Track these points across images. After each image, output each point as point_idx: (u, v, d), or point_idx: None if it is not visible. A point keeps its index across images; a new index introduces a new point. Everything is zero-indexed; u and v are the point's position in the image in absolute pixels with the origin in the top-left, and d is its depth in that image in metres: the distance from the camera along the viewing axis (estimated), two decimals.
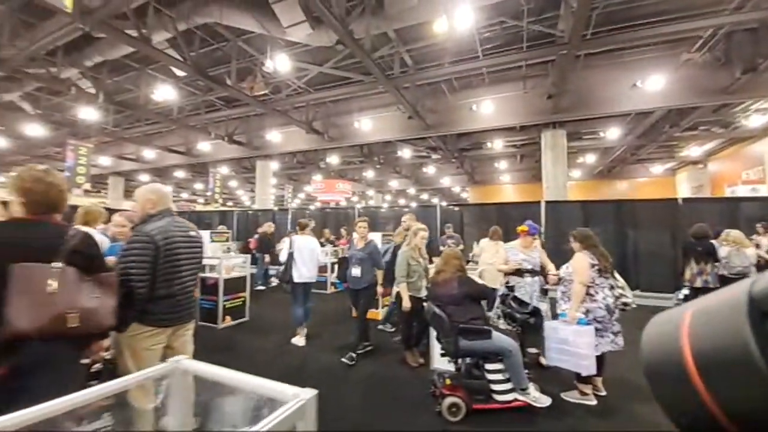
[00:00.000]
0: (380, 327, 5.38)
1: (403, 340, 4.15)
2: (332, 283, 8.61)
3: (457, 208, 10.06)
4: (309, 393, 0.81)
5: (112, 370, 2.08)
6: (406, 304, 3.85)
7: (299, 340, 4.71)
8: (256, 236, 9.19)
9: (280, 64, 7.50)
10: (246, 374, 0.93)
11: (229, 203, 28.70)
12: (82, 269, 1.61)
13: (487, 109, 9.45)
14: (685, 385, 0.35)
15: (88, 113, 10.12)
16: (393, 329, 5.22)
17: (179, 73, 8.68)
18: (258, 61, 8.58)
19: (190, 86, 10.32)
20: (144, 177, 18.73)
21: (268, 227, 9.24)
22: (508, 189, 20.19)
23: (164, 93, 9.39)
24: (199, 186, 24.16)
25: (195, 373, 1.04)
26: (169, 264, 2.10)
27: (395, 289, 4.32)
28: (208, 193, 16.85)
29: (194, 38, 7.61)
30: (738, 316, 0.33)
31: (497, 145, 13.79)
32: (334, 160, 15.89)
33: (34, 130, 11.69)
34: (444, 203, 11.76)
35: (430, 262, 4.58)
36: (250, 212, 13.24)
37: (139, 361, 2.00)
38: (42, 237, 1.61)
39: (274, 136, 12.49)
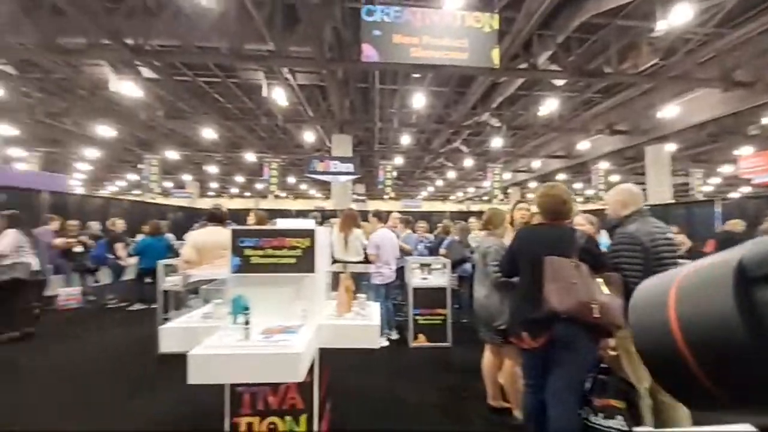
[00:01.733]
0: None
1: None
2: None
3: None
4: None
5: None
6: None
7: None
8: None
9: (678, 15, 5.89)
10: None
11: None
12: (590, 266, 1.77)
13: None
14: (670, 347, 0.33)
15: (496, 142, 12.69)
16: None
17: (559, 83, 9.12)
18: (642, 30, 7.39)
19: (566, 92, 10.51)
20: (533, 184, 20.75)
21: None
22: None
23: (548, 106, 10.14)
24: (577, 186, 23.60)
25: None
26: (656, 265, 1.87)
27: None
28: (590, 192, 16.19)
29: (570, 43, 7.74)
30: (725, 278, 0.31)
31: None
32: None
33: (468, 162, 16.15)
34: None
35: None
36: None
37: (636, 368, 1.95)
38: (557, 237, 1.88)
39: (669, 111, 10.11)
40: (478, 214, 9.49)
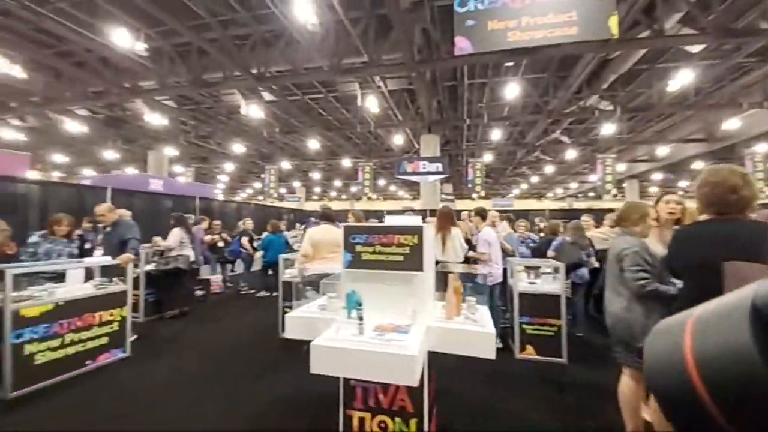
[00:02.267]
0: None
1: None
2: None
3: None
4: None
5: None
6: None
7: None
8: None
9: None
10: None
11: None
12: None
13: None
14: (686, 385, 0.32)
15: (608, 128, 10.92)
16: None
17: (694, 49, 7.34)
18: None
19: (705, 59, 8.41)
20: (657, 176, 17.31)
21: None
22: None
23: (680, 80, 8.27)
24: None
25: None
26: None
27: None
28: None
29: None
30: (740, 323, 0.30)
31: None
32: None
33: (570, 154, 14.29)
34: None
35: None
36: None
37: None
38: (736, 235, 1.42)
39: None
40: (587, 212, 8.29)
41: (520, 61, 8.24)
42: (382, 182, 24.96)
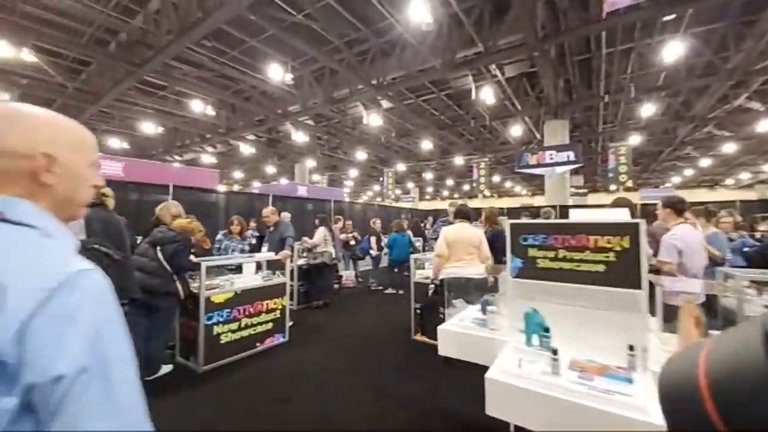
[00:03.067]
0: None
1: None
2: None
3: None
4: None
5: None
6: None
7: None
8: None
9: None
10: None
11: None
12: None
13: None
14: (699, 413, 0.31)
15: None
16: None
17: None
18: None
19: None
20: None
21: None
22: None
23: None
24: None
25: None
26: None
27: None
28: None
29: None
30: (755, 349, 0.29)
31: None
32: None
33: (764, 125, 10.22)
34: None
35: None
36: None
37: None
38: None
39: None
40: None
41: (684, 12, 6.16)
42: (496, 178, 23.12)
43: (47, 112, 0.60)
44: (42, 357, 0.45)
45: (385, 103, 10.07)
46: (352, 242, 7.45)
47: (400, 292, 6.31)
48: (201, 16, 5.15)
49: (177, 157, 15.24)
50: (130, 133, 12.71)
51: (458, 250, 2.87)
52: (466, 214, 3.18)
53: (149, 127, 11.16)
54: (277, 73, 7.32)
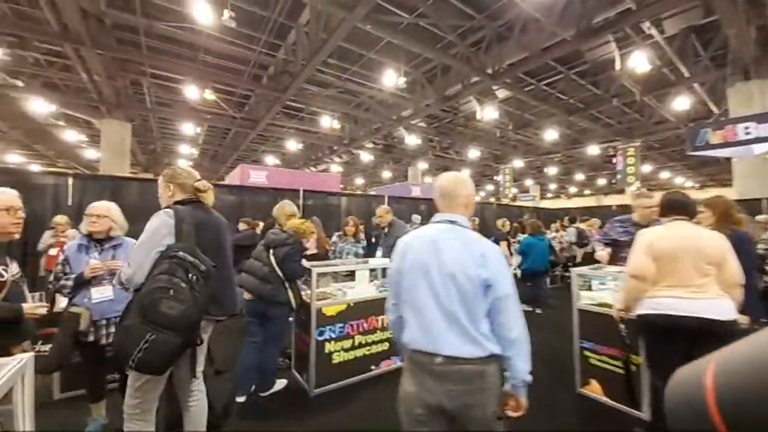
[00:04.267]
0: None
1: None
2: None
3: None
4: None
5: None
6: None
7: None
8: None
9: None
10: None
11: None
12: None
13: None
14: (703, 416, 0.31)
15: None
16: None
17: None
18: None
19: None
20: None
21: None
22: None
23: None
24: None
25: None
26: None
27: None
28: None
29: None
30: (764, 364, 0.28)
31: None
32: None
33: None
34: None
35: None
36: None
37: None
38: None
39: None
40: None
41: None
42: (645, 168, 18.76)
43: None
44: (499, 285, 1.19)
45: (502, 93, 9.41)
46: None
47: (537, 311, 5.26)
48: (325, 37, 5.89)
49: (312, 169, 17.86)
50: (279, 151, 15.58)
51: (679, 269, 1.75)
52: (686, 208, 1.91)
53: (292, 145, 13.45)
54: (391, 80, 7.74)
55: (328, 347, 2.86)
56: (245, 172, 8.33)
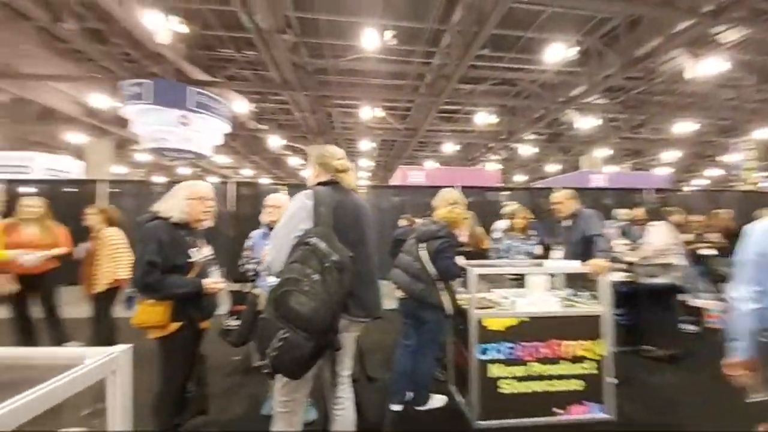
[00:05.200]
0: None
1: None
2: None
3: None
4: None
5: None
6: None
7: None
8: None
9: None
10: None
11: None
12: None
13: None
14: None
15: None
16: None
17: None
18: None
19: None
20: None
21: None
22: None
23: None
24: None
25: None
26: None
27: None
28: None
29: None
30: None
31: None
32: None
33: None
34: None
35: None
36: None
37: None
38: None
39: None
40: None
41: None
42: None
43: None
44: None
45: (731, 34, 6.69)
46: (705, 251, 4.43)
47: None
48: (477, 29, 5.80)
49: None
50: (437, 155, 16.43)
51: None
52: None
53: (449, 147, 13.97)
54: (557, 54, 6.86)
55: (493, 370, 2.30)
56: (404, 173, 9.26)
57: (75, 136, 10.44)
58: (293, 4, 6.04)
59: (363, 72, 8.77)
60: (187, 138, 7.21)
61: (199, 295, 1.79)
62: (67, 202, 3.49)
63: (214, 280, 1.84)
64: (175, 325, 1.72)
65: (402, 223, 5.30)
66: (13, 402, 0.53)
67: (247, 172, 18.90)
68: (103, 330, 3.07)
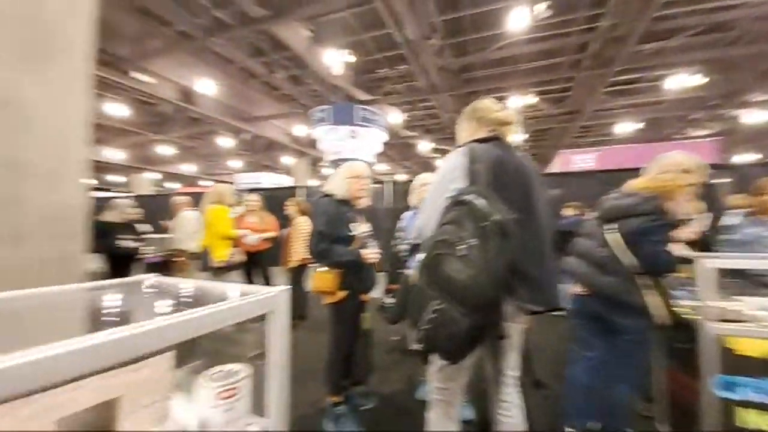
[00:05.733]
0: None
1: None
2: None
3: None
4: None
5: None
6: None
7: None
8: None
9: None
10: None
11: None
12: None
13: None
14: None
15: None
16: None
17: None
18: None
19: None
20: None
21: None
22: None
23: None
24: None
25: None
26: None
27: None
28: None
29: None
30: None
31: None
32: None
33: None
34: None
35: None
36: None
37: None
38: None
39: None
40: None
41: None
42: None
43: None
44: None
45: None
46: None
47: None
48: None
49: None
50: (606, 139, 13.59)
51: None
52: None
53: (625, 127, 11.30)
54: None
55: (745, 416, 1.45)
56: (566, 158, 8.05)
57: (286, 159, 14.28)
58: (437, 10, 6.36)
59: (510, 59, 8.26)
60: (355, 148, 8.68)
61: (359, 266, 1.92)
62: (279, 204, 5.03)
63: (371, 251, 1.97)
64: (342, 293, 1.90)
65: (568, 212, 4.56)
66: (191, 313, 0.62)
67: (401, 178, 20.92)
68: (294, 298, 4.04)
